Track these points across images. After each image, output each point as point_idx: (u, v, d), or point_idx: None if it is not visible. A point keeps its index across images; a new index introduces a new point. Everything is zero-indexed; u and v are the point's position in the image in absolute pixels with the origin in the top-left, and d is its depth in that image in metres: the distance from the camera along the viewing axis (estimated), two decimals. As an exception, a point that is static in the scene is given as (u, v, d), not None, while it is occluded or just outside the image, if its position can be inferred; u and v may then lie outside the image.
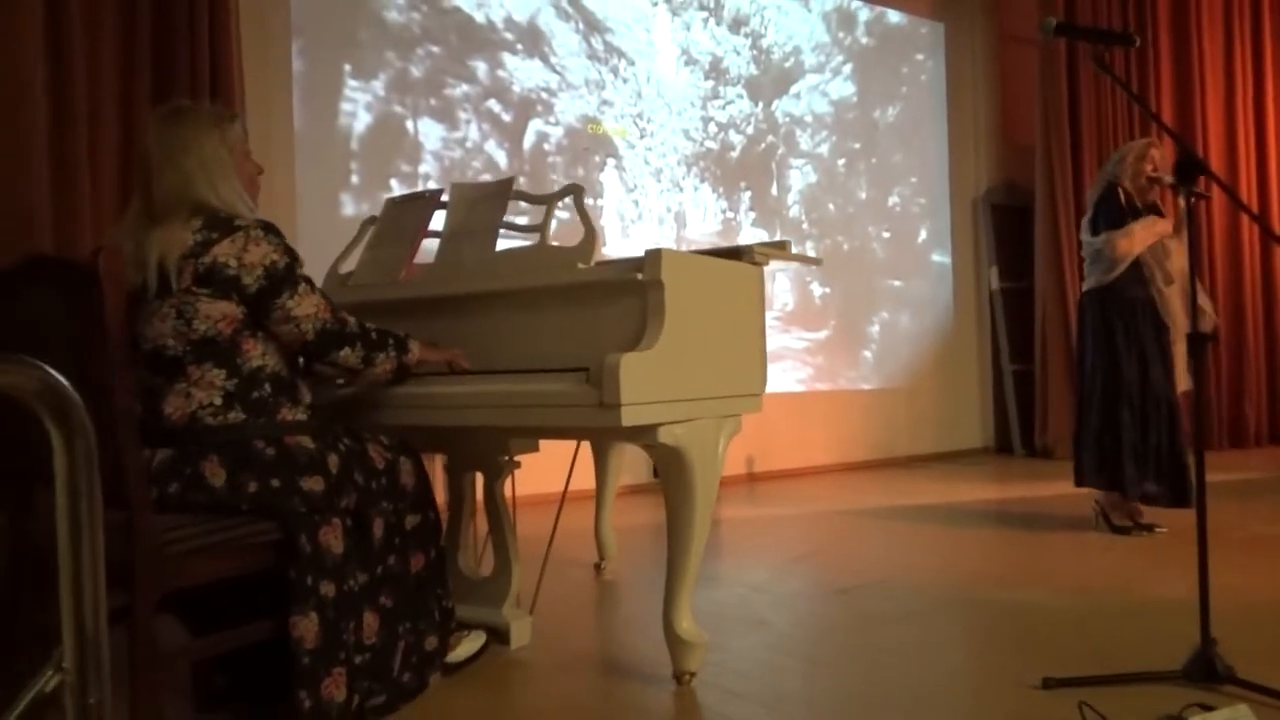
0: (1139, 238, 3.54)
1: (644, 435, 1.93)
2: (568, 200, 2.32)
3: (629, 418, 1.81)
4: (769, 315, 5.99)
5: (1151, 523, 3.68)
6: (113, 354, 1.53)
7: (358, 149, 4.57)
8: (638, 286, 1.95)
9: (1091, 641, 2.37)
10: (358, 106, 4.57)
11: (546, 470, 3.00)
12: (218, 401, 1.81)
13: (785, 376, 6.11)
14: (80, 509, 0.87)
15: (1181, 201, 3.21)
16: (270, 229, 1.89)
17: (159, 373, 1.83)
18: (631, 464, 4.61)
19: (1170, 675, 1.99)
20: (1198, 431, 2.22)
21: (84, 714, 0.88)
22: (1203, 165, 2.00)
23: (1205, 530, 2.04)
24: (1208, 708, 1.76)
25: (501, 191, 2.38)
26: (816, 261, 2.61)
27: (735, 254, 2.25)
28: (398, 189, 4.58)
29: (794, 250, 2.36)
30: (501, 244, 2.39)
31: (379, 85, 4.63)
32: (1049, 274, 6.49)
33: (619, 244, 5.34)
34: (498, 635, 2.40)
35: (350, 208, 4.49)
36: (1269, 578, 3.00)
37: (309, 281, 1.93)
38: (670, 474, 2.04)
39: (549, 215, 2.33)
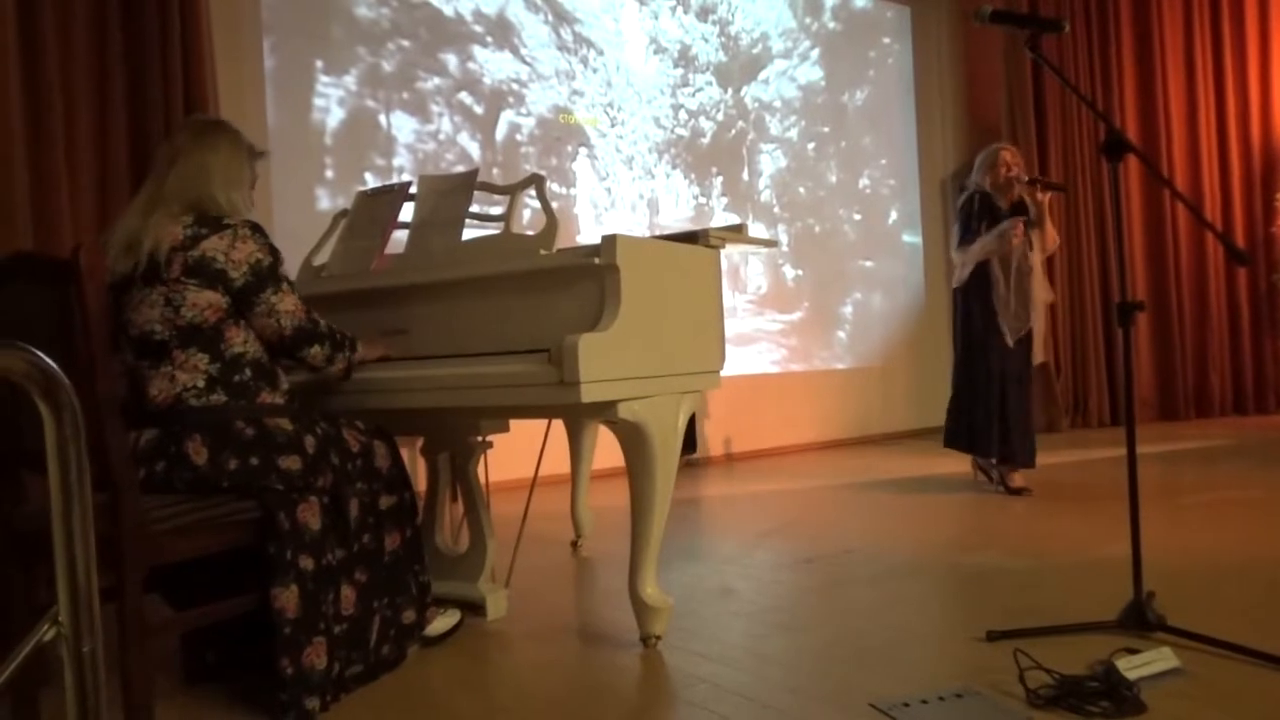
0: (973, 254, 4.07)
1: (604, 411, 2.04)
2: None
3: (588, 394, 1.92)
4: (743, 299, 6.14)
5: (1022, 486, 4.12)
6: (94, 342, 1.62)
7: (331, 144, 4.63)
8: (595, 271, 2.05)
9: (1040, 597, 2.49)
10: (330, 102, 4.63)
11: (526, 456, 3.11)
12: (201, 384, 1.91)
13: (760, 358, 6.22)
14: (70, 476, 0.96)
15: (1040, 195, 4.05)
16: (257, 229, 2.01)
17: (145, 356, 1.93)
18: (615, 446, 4.71)
19: (1106, 625, 2.12)
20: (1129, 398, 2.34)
21: (79, 661, 0.98)
22: (1128, 144, 2.11)
23: (1136, 492, 2.17)
24: (1135, 652, 1.89)
25: (466, 183, 2.48)
26: (773, 244, 2.71)
27: (691, 238, 2.36)
28: (372, 182, 4.65)
29: (765, 234, 2.46)
30: (469, 233, 2.49)
31: (351, 80, 4.70)
32: (1017, 252, 6.62)
33: (593, 231, 5.43)
34: (474, 608, 2.51)
35: (325, 202, 4.56)
36: (1209, 537, 3.15)
37: (289, 281, 2.05)
38: (631, 448, 2.15)
39: (512, 204, 2.43)
